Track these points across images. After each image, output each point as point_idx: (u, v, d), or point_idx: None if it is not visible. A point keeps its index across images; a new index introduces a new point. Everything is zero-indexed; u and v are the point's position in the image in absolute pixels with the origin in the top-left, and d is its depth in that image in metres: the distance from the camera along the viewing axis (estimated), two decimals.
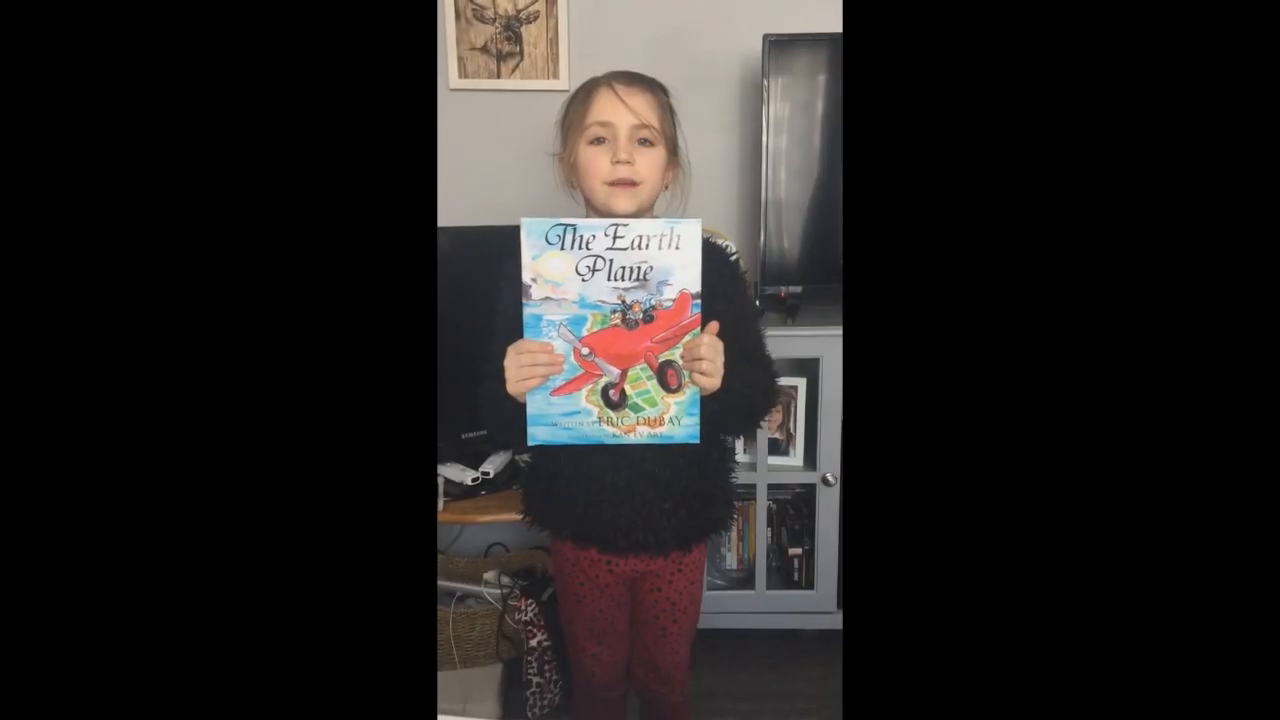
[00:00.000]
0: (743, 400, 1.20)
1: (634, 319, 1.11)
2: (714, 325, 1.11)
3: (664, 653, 1.41)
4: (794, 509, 2.24)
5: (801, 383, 2.13)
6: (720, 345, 1.12)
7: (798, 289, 2.09)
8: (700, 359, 1.10)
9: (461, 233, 1.83)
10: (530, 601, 1.90)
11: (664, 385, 1.13)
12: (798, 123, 2.06)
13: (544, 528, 1.38)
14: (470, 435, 1.94)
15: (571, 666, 1.49)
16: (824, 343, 2.02)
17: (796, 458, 2.16)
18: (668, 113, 1.23)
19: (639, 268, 1.09)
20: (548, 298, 1.10)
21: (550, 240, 1.08)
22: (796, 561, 2.18)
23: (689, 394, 1.14)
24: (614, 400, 1.14)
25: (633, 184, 1.18)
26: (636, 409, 1.14)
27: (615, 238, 1.08)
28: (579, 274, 1.09)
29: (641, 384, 1.13)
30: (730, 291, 1.23)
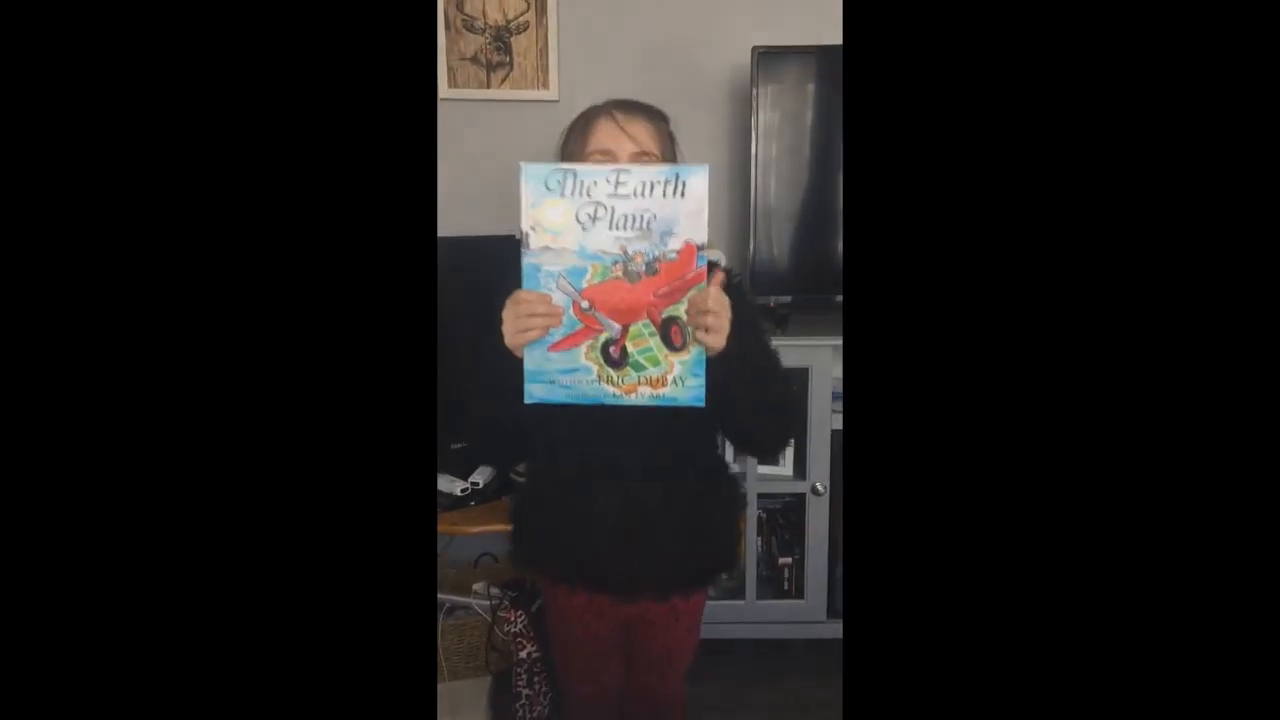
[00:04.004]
0: (775, 425, 1.18)
1: (636, 271, 1.05)
2: (720, 277, 1.06)
3: (662, 693, 1.37)
4: (783, 518, 2.23)
5: None
6: (727, 300, 1.06)
7: (787, 299, 2.09)
8: (706, 313, 1.04)
9: (451, 242, 1.82)
10: (519, 613, 1.89)
11: (668, 343, 1.07)
12: (787, 132, 2.07)
13: (533, 569, 1.30)
14: (459, 445, 1.93)
15: (564, 706, 1.45)
16: (813, 353, 2.02)
17: (786, 467, 2.15)
18: (667, 140, 1.22)
19: (641, 216, 1.04)
20: (546, 247, 1.05)
21: (550, 186, 1.04)
22: (786, 571, 2.18)
23: (694, 353, 1.08)
24: (615, 358, 1.08)
25: None
26: (638, 367, 1.08)
27: (617, 184, 1.03)
28: (579, 222, 1.04)
29: (644, 341, 1.08)
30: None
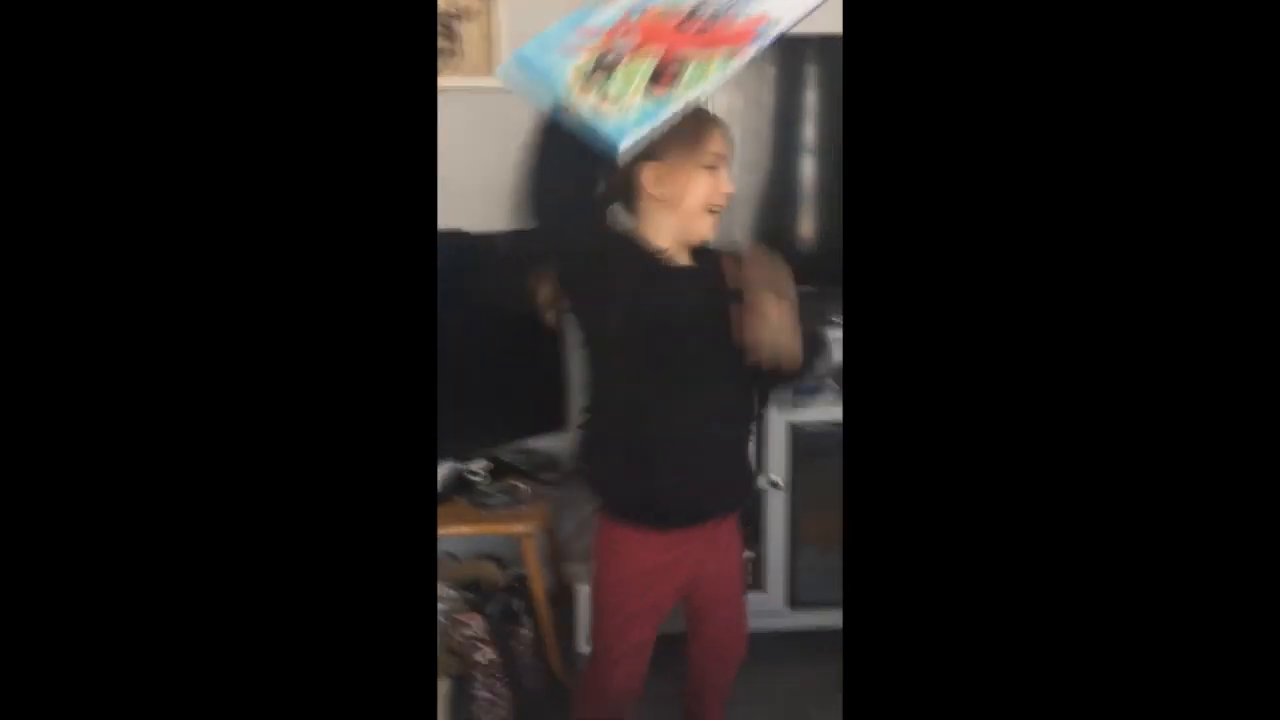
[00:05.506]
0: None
1: (697, 13, 0.94)
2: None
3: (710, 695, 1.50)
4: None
5: None
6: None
7: None
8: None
9: None
10: (476, 615, 1.85)
11: (653, 80, 0.94)
12: (749, 116, 2.05)
13: (603, 498, 1.34)
14: None
15: (584, 676, 1.47)
16: None
17: None
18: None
19: None
20: None
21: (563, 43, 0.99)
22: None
23: (657, 106, 0.93)
24: (605, 67, 0.97)
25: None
26: (606, 82, 0.96)
27: None
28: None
29: (636, 67, 0.95)
30: None
